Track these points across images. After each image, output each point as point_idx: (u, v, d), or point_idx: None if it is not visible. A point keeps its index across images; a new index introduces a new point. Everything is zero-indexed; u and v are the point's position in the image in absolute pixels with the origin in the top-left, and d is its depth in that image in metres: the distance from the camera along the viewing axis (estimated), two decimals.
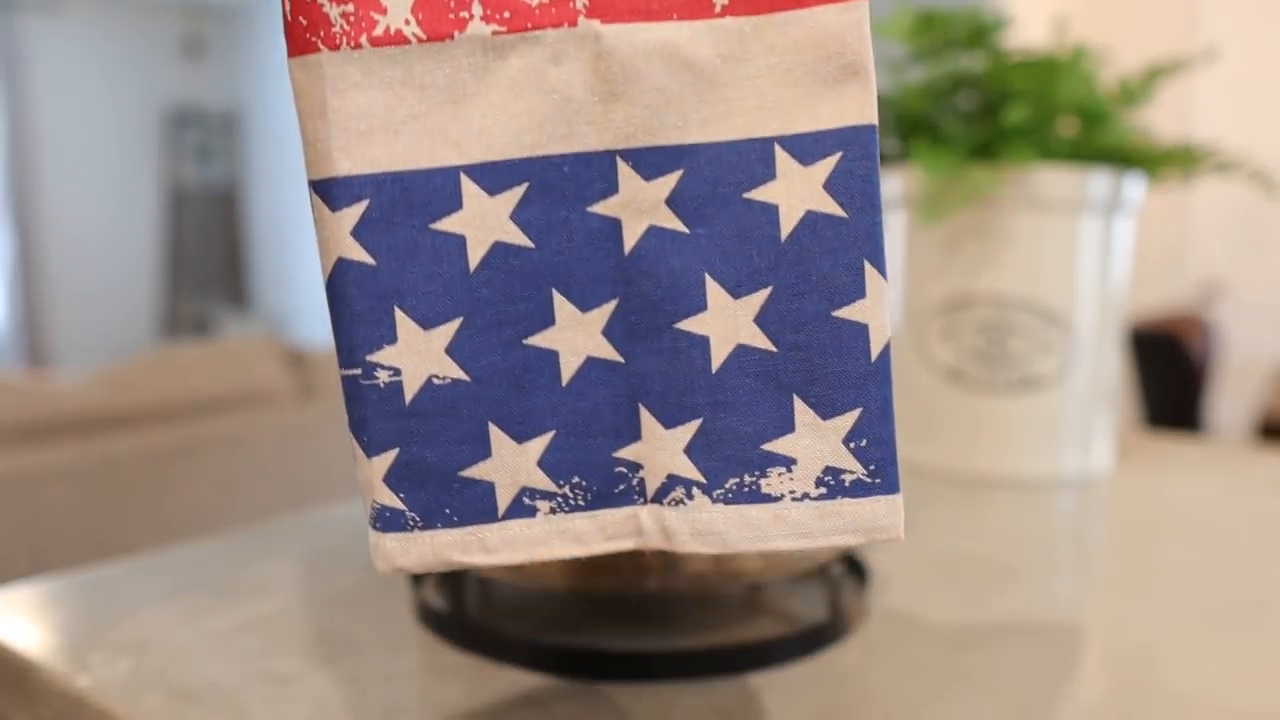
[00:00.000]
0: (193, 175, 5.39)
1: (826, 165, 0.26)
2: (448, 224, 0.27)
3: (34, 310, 4.87)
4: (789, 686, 0.37)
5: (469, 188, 0.27)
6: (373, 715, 0.34)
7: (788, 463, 0.27)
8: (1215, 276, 3.05)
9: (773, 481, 0.27)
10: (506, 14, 0.26)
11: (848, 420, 0.27)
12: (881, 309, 0.27)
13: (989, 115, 0.66)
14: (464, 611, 0.41)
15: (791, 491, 0.27)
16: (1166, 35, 3.01)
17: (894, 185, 0.68)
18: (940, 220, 0.65)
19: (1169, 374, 2.31)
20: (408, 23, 0.26)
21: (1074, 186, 0.63)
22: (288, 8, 0.26)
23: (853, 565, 0.48)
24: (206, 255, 5.48)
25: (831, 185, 0.26)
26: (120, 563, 0.50)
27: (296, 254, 5.22)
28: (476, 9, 0.26)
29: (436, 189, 0.27)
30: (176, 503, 1.53)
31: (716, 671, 0.37)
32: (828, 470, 0.27)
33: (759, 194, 0.27)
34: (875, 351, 0.27)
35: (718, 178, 0.27)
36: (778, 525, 0.27)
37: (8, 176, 4.76)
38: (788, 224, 0.27)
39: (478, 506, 0.28)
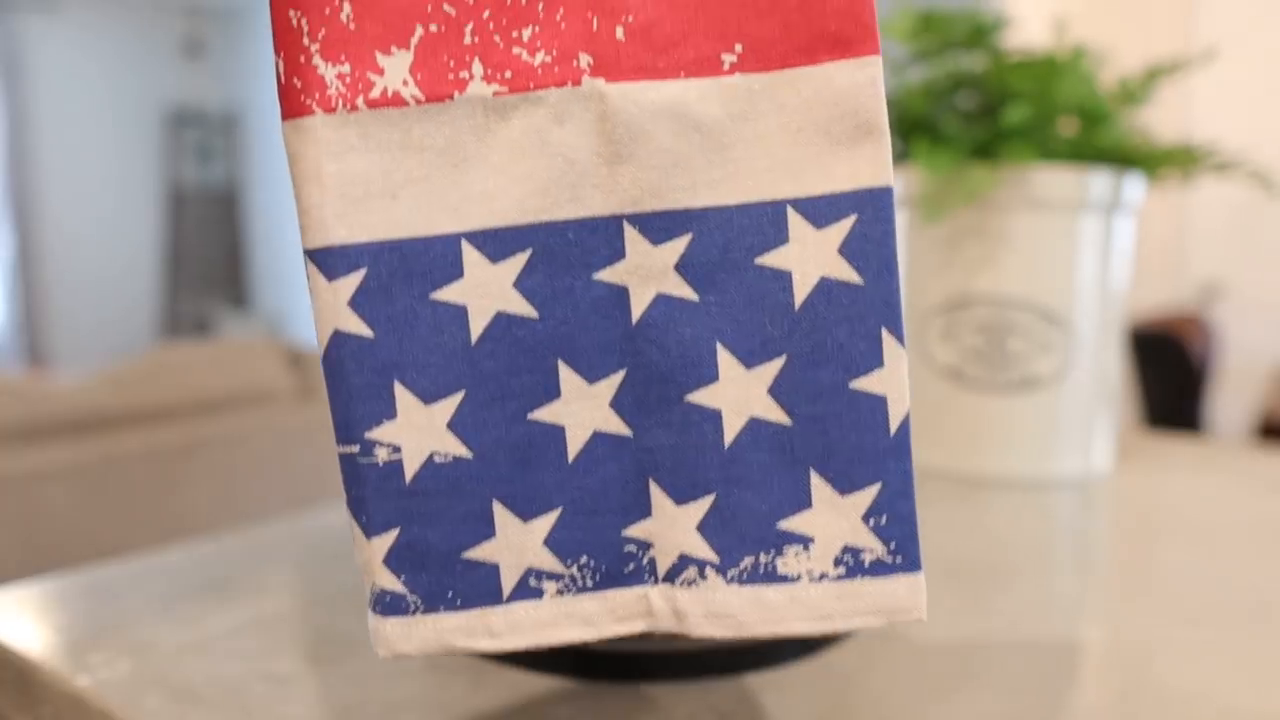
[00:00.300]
0: (193, 175, 5.39)
1: (841, 229, 0.25)
2: (448, 294, 0.26)
3: (34, 310, 4.87)
4: (789, 686, 0.37)
5: (470, 255, 0.26)
6: (373, 715, 0.34)
7: (805, 541, 0.26)
8: (1215, 276, 3.05)
9: (789, 561, 0.26)
10: (508, 73, 0.25)
11: (867, 496, 0.26)
12: (900, 378, 0.26)
13: (989, 115, 0.66)
14: None
15: (809, 571, 0.26)
16: (1166, 35, 3.01)
17: (894, 185, 0.68)
18: (940, 220, 0.65)
19: (1169, 374, 2.31)
20: (406, 83, 0.25)
21: (1074, 186, 0.63)
22: (281, 69, 0.25)
23: None
24: (206, 255, 5.48)
25: (846, 250, 0.25)
26: (120, 563, 0.50)
27: (296, 254, 5.22)
28: (477, 68, 0.25)
29: (437, 257, 0.25)
30: (176, 503, 1.53)
31: (716, 672, 0.37)
32: (846, 549, 0.26)
33: (771, 259, 0.26)
34: (894, 424, 0.26)
35: (728, 242, 0.26)
36: (795, 607, 0.26)
37: (8, 176, 4.75)
38: (801, 291, 0.26)
39: (482, 588, 0.27)
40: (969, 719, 0.34)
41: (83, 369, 4.93)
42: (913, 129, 0.68)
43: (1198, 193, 3.03)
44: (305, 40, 0.25)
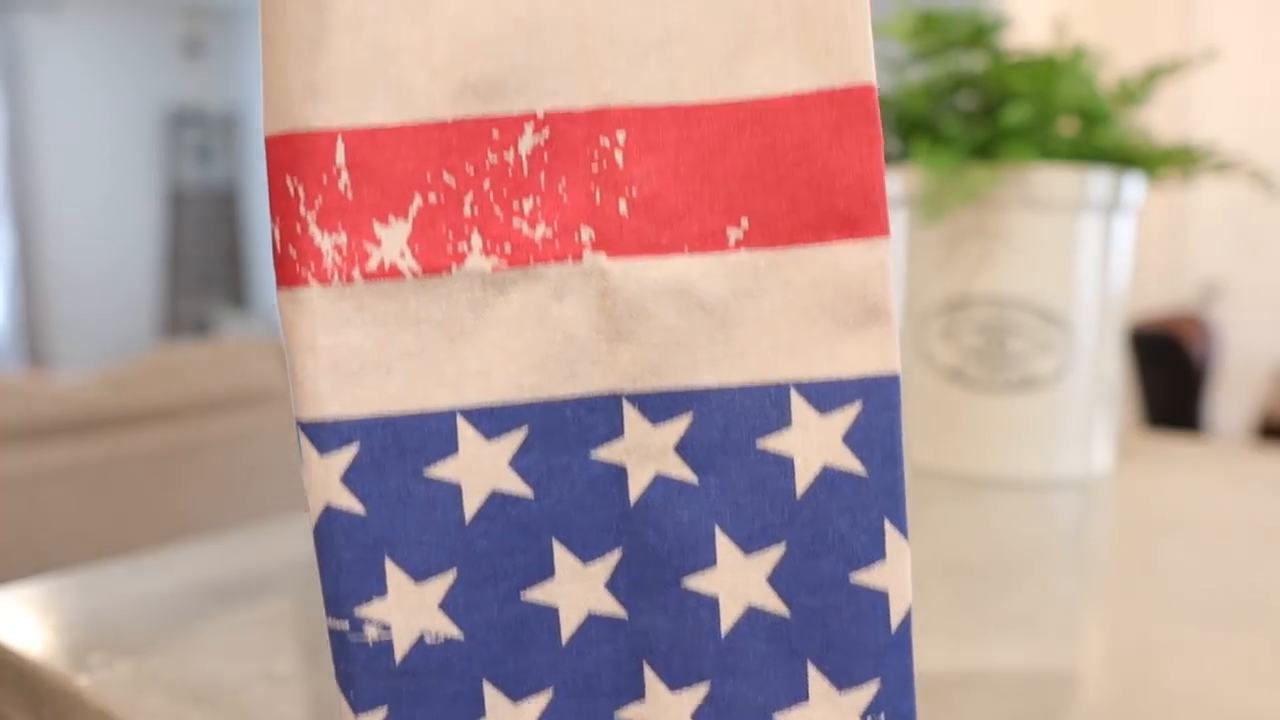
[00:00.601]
0: (193, 175, 5.39)
1: (845, 416, 0.25)
2: (442, 470, 0.25)
3: (34, 310, 4.87)
4: None
5: (465, 432, 0.25)
6: None
7: None
8: (1215, 276, 3.05)
9: None
10: (508, 247, 0.24)
11: (865, 693, 0.25)
12: (901, 572, 0.25)
13: (989, 115, 0.66)
14: None
15: None
16: (1166, 35, 3.01)
17: (894, 185, 0.68)
18: (940, 220, 0.65)
19: (1169, 374, 2.31)
20: (403, 255, 0.24)
21: (1074, 186, 0.63)
22: (277, 237, 0.24)
23: None
24: (206, 255, 5.48)
25: (851, 438, 0.25)
26: (120, 563, 0.50)
27: None
28: (476, 241, 0.24)
29: (431, 433, 0.25)
30: (176, 503, 1.53)
31: None
32: None
33: (773, 443, 0.25)
34: (896, 620, 0.25)
35: (729, 423, 0.25)
36: None
37: (8, 176, 4.75)
38: (804, 478, 0.25)
39: None
40: (968, 719, 0.34)
41: (83, 369, 4.93)
42: (913, 129, 0.68)
43: (1198, 193, 3.03)
44: (302, 209, 0.24)
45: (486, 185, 0.24)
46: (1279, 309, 2.93)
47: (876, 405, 0.25)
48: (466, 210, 0.24)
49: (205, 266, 5.48)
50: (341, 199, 0.24)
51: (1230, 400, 2.96)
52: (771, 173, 0.25)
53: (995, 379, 0.66)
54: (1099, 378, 0.67)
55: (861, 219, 0.24)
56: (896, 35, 0.66)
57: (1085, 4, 2.89)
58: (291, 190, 0.24)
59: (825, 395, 0.25)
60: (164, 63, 5.25)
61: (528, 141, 0.25)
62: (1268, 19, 2.88)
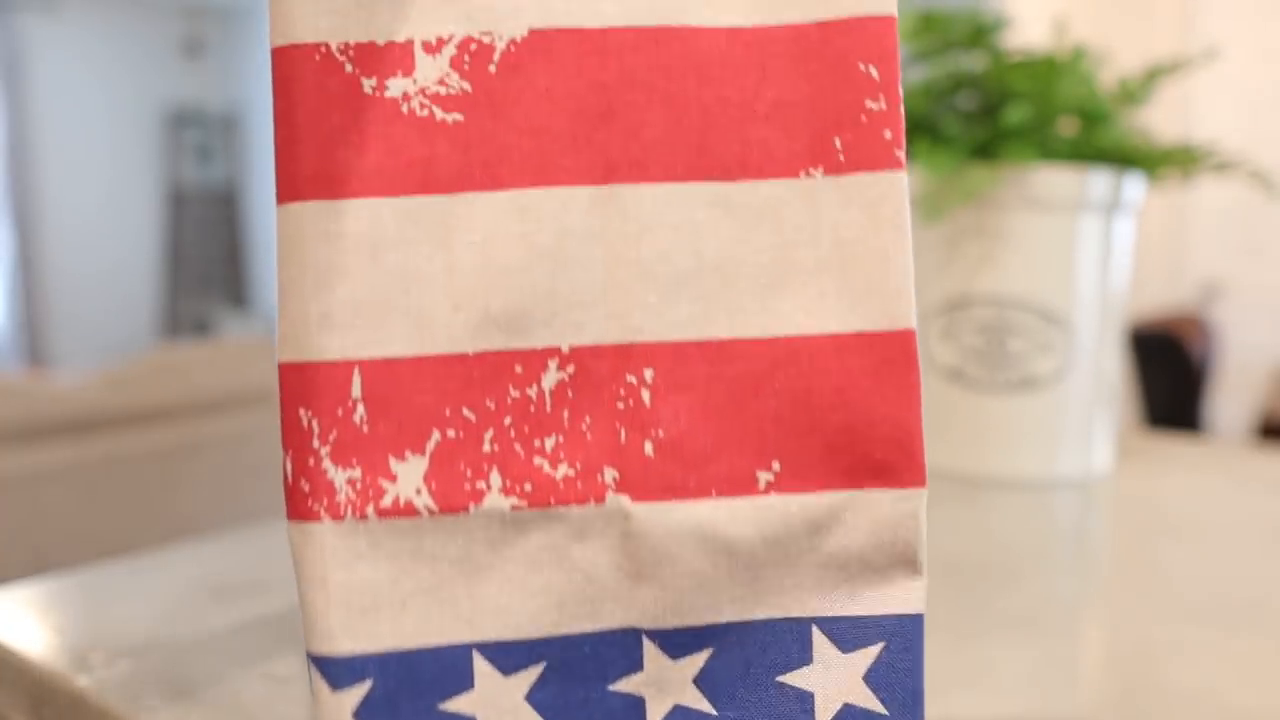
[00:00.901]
0: (193, 175, 5.39)
1: (868, 655, 0.24)
2: (457, 704, 0.24)
3: (34, 310, 4.87)
4: None
5: (481, 666, 0.24)
6: None
7: None
8: (1215, 276, 3.05)
9: None
10: (528, 486, 0.24)
11: None
12: None
13: (989, 115, 0.66)
14: None
15: None
16: (1166, 35, 3.01)
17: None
18: (940, 220, 0.65)
19: (1169, 374, 2.31)
20: (419, 492, 0.23)
21: (1074, 186, 0.63)
22: (289, 469, 0.23)
23: None
24: (206, 255, 5.48)
25: (872, 678, 0.24)
26: (120, 563, 0.50)
27: None
28: (495, 480, 0.23)
29: (446, 667, 0.24)
30: (176, 503, 1.53)
31: None
32: None
33: (794, 679, 0.25)
34: None
35: (750, 658, 0.25)
36: None
37: (8, 176, 4.75)
38: (824, 715, 0.24)
39: None
40: (969, 719, 0.34)
41: (83, 369, 4.93)
42: (913, 129, 0.68)
43: (1198, 193, 3.03)
44: (315, 442, 0.23)
45: (507, 421, 0.24)
46: (1279, 309, 2.93)
47: (899, 645, 0.24)
48: (486, 447, 0.24)
49: (205, 266, 5.48)
50: (357, 432, 0.23)
51: (1230, 400, 2.96)
52: (806, 417, 0.24)
53: (995, 379, 0.66)
54: (1099, 378, 0.67)
55: (898, 469, 0.24)
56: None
57: (1085, 4, 2.90)
58: (305, 422, 0.23)
59: (848, 633, 0.24)
60: (164, 63, 5.25)
61: (551, 377, 0.24)
62: (1267, 19, 2.88)
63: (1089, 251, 0.65)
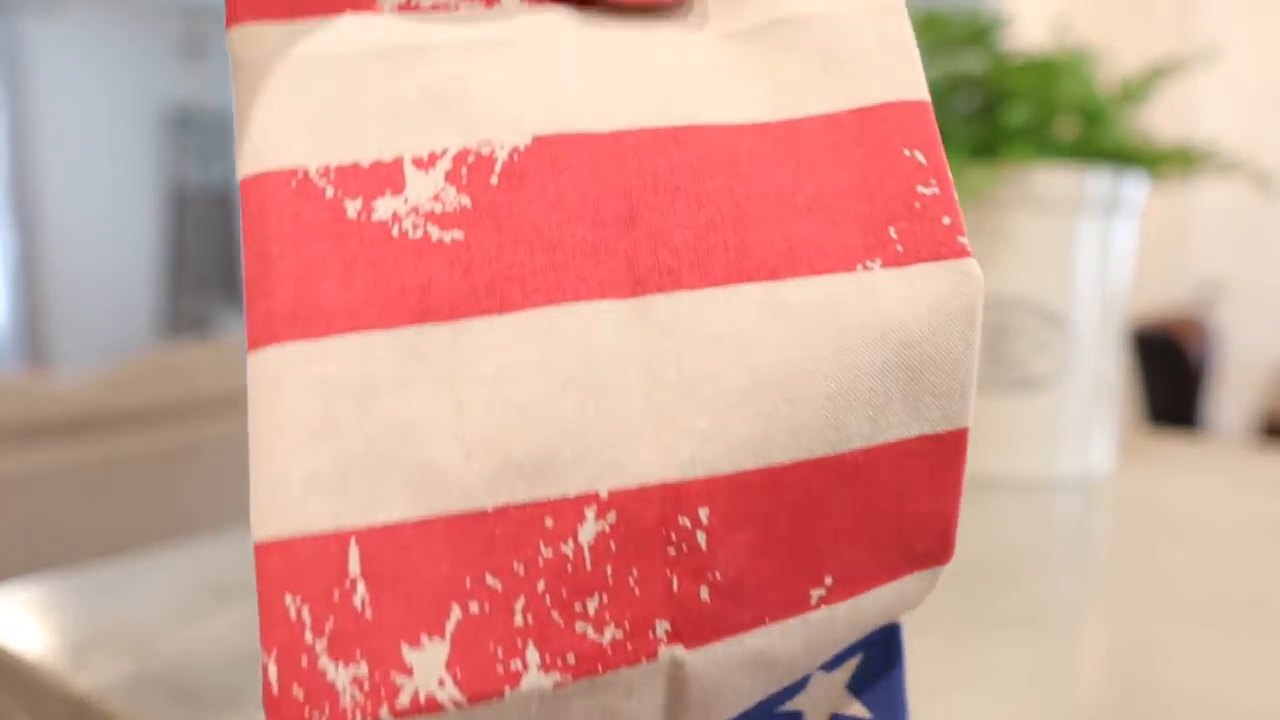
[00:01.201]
0: (193, 175, 5.39)
1: (848, 668, 0.24)
2: None
3: (34, 310, 4.87)
4: None
5: None
6: None
7: None
8: (1215, 276, 3.05)
9: None
10: (571, 659, 0.20)
11: None
12: None
13: (989, 115, 0.66)
14: None
15: None
16: (1166, 35, 3.01)
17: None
18: None
19: (1169, 374, 2.31)
20: (442, 684, 0.19)
21: (1074, 186, 0.63)
22: (274, 675, 0.19)
23: None
24: (206, 255, 5.48)
25: (854, 685, 0.24)
26: (120, 563, 0.50)
27: None
28: (533, 656, 0.20)
29: None
30: (176, 503, 1.53)
31: None
32: None
33: (788, 705, 0.24)
34: None
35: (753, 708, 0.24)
36: None
37: (8, 176, 4.76)
38: None
39: None
40: (968, 719, 0.34)
41: (83, 369, 4.93)
42: None
43: (1198, 193, 3.03)
44: (308, 636, 0.19)
45: (541, 586, 0.20)
46: (1279, 309, 2.93)
47: (880, 653, 0.24)
48: (518, 620, 0.20)
49: (205, 266, 5.47)
50: (359, 619, 0.19)
51: (1230, 400, 2.96)
52: (865, 528, 0.22)
53: (995, 379, 0.66)
54: (1099, 378, 0.66)
55: (934, 555, 0.23)
56: None
57: (1085, 4, 2.90)
58: (293, 612, 0.19)
59: (835, 659, 0.24)
60: (164, 63, 5.24)
61: (589, 529, 0.20)
62: (1267, 19, 2.88)
63: (1089, 251, 0.65)
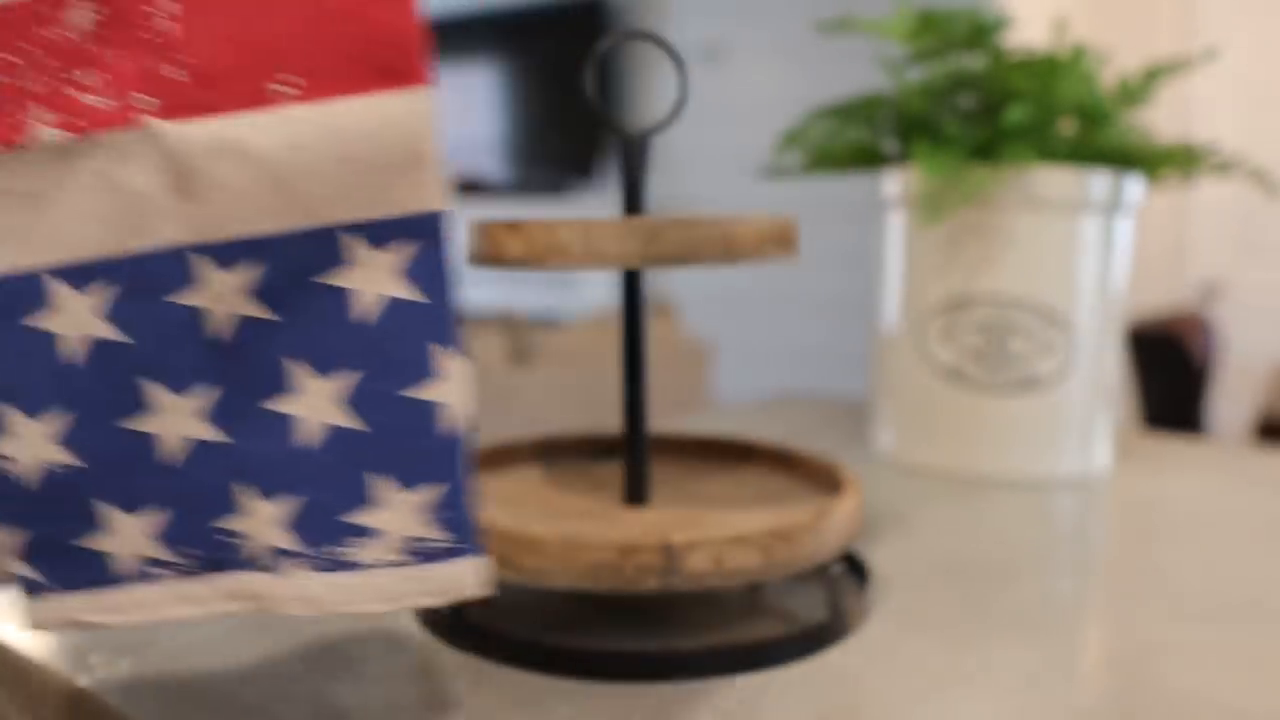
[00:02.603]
0: None
1: (402, 252, 0.28)
2: (39, 322, 0.28)
3: None
4: (789, 686, 0.37)
5: (57, 288, 0.28)
6: (373, 715, 0.34)
7: (376, 534, 0.30)
8: (1215, 276, 3.05)
9: (363, 550, 0.30)
10: (71, 117, 0.27)
11: (429, 494, 0.29)
12: (459, 388, 0.29)
13: (989, 115, 0.66)
14: (464, 611, 0.41)
15: (379, 560, 0.30)
16: (1166, 35, 3.01)
17: (894, 185, 0.68)
18: (940, 220, 0.65)
19: (1169, 374, 2.31)
20: None
21: (1074, 186, 0.63)
22: None
23: (853, 565, 0.48)
24: None
25: (410, 271, 0.28)
26: None
27: None
28: (44, 115, 0.27)
29: (23, 292, 0.28)
30: None
31: (716, 671, 0.37)
32: (412, 539, 0.30)
33: (338, 280, 0.28)
34: (453, 429, 0.29)
35: (295, 267, 0.28)
36: (367, 590, 0.30)
37: None
38: (368, 308, 0.28)
39: (102, 575, 0.31)
40: (968, 719, 0.34)
41: None
42: (913, 129, 0.68)
43: (1198, 193, 3.03)
44: None
45: (47, 60, 0.27)
46: (1279, 309, 2.93)
47: (430, 241, 0.28)
48: (32, 86, 0.27)
49: None
50: None
51: (1230, 400, 2.95)
52: (317, 32, 0.27)
53: (995, 379, 0.66)
54: (1099, 378, 0.67)
55: (403, 71, 0.27)
56: (896, 35, 0.66)
57: (1085, 4, 2.89)
58: None
59: (379, 234, 0.28)
60: None
61: (86, 17, 0.27)
62: (1267, 19, 2.88)
63: (1089, 252, 0.65)
